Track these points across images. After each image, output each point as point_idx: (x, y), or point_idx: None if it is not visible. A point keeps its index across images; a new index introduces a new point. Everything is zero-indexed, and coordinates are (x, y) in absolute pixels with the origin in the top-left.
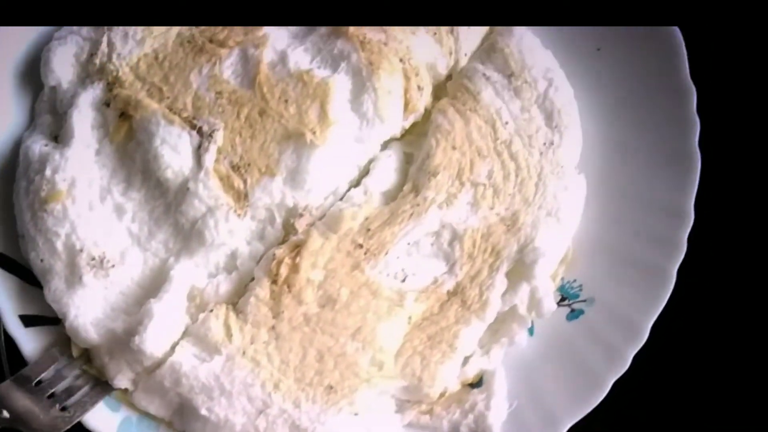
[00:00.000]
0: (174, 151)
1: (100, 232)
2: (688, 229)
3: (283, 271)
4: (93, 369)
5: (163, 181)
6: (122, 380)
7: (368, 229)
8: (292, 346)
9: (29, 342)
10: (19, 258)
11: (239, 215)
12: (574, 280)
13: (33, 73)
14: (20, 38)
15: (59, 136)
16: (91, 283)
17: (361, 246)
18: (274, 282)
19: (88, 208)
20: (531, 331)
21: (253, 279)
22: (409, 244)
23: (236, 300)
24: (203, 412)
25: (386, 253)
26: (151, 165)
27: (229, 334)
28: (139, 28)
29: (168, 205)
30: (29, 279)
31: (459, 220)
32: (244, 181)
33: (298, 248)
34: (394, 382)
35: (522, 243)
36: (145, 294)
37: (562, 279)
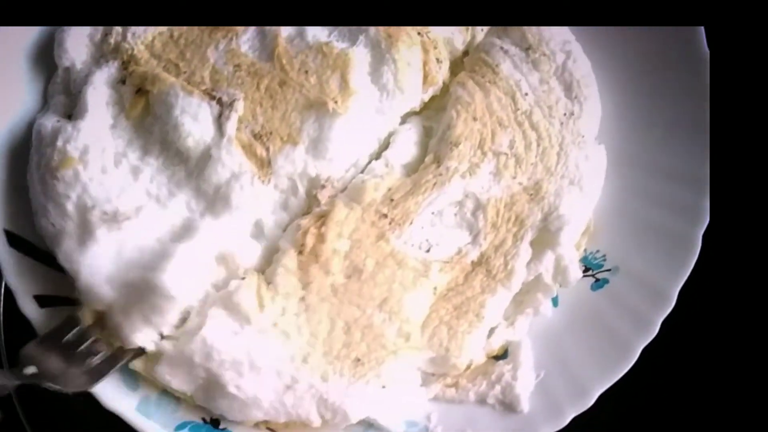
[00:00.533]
0: (195, 120)
1: (115, 191)
2: (708, 162)
3: (309, 241)
4: (107, 336)
5: (183, 150)
6: (139, 338)
7: (391, 199)
8: (321, 318)
9: (45, 322)
10: (33, 239)
11: (263, 182)
12: (597, 251)
13: (46, 56)
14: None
15: (73, 113)
16: (104, 237)
17: (385, 216)
18: (301, 252)
19: (101, 171)
20: (555, 303)
21: (279, 250)
22: (433, 213)
23: (264, 269)
24: (231, 389)
25: (411, 223)
26: (170, 135)
27: (261, 305)
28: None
29: (189, 172)
30: (44, 260)
31: (482, 189)
32: (267, 149)
33: (323, 218)
34: (421, 353)
35: (546, 211)
36: (163, 249)
37: (585, 250)
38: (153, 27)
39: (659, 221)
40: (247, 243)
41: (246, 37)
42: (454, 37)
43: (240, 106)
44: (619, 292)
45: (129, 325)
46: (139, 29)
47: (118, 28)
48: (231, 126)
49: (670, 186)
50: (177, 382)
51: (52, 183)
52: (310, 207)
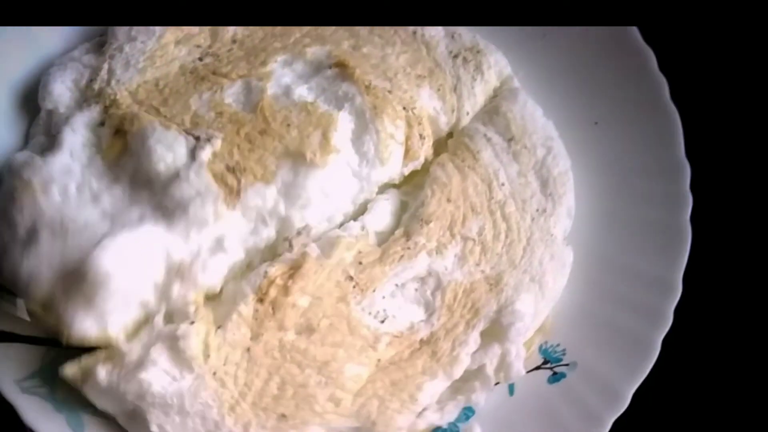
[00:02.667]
0: (168, 149)
1: (70, 214)
2: (675, 301)
3: (273, 292)
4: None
5: (153, 176)
6: (82, 325)
7: (360, 263)
8: (259, 371)
9: None
10: None
11: (228, 206)
12: (558, 344)
13: (30, 99)
14: (19, 63)
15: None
16: (47, 241)
17: (351, 278)
18: (260, 300)
19: (60, 196)
20: (511, 391)
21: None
22: (396, 285)
23: (219, 288)
24: (153, 428)
25: (374, 291)
26: (143, 163)
27: (207, 354)
28: (141, 58)
29: (153, 193)
30: None
31: (445, 270)
32: (238, 181)
33: (292, 270)
34: (347, 421)
35: (501, 304)
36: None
37: (546, 342)
38: (139, 75)
39: (621, 322)
40: (209, 257)
41: (231, 90)
42: (439, 117)
43: (217, 143)
44: (574, 387)
45: (71, 309)
46: (124, 76)
47: (104, 75)
48: (204, 154)
49: (636, 288)
50: (102, 403)
51: (9, 209)
52: (279, 247)
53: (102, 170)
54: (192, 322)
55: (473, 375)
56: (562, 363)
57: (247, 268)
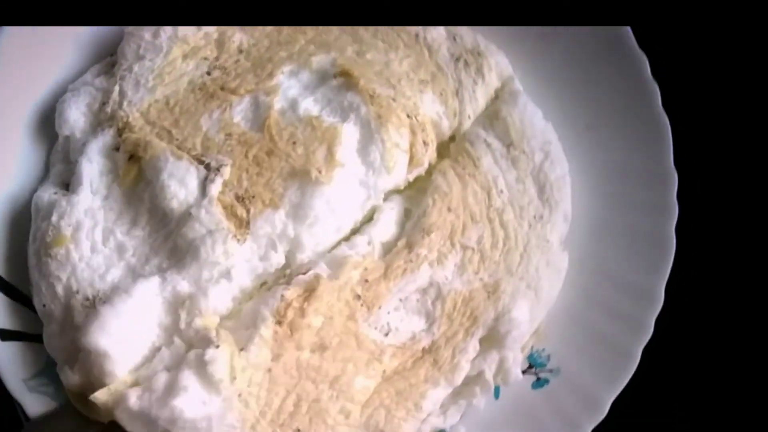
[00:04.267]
0: (180, 184)
1: (100, 272)
2: (657, 312)
3: (290, 314)
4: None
5: (168, 212)
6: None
7: (366, 280)
8: (278, 390)
9: (3, 354)
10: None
11: (239, 241)
12: (543, 350)
13: (49, 125)
14: (35, 90)
15: (69, 185)
16: (82, 323)
17: (359, 297)
18: (279, 323)
19: (90, 250)
20: (497, 394)
21: (251, 296)
22: (401, 300)
23: (226, 316)
24: None
25: (379, 307)
26: (158, 198)
27: (233, 376)
28: (151, 76)
29: (169, 232)
30: (13, 294)
31: (445, 280)
32: (247, 211)
33: (307, 293)
34: (357, 431)
35: (499, 312)
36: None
37: (532, 347)
38: (149, 95)
39: (605, 330)
40: (212, 287)
41: (240, 107)
42: (441, 121)
43: (227, 172)
44: (557, 394)
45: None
46: (135, 97)
47: (116, 97)
48: (215, 188)
49: (622, 297)
50: (133, 427)
51: (45, 261)
52: (290, 267)
53: (122, 203)
54: (217, 346)
55: (473, 380)
56: (546, 368)
57: (261, 287)
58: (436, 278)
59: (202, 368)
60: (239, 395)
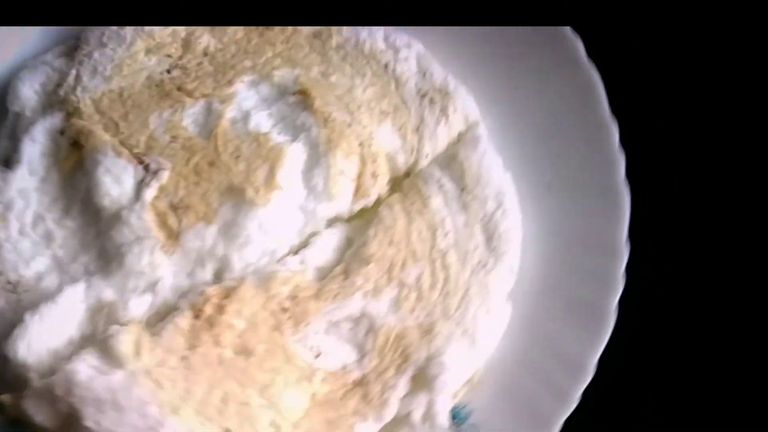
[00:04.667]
0: (116, 182)
1: (25, 258)
2: (584, 386)
3: (208, 309)
4: None
5: (100, 208)
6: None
7: (295, 296)
8: (199, 380)
9: None
10: None
11: (166, 252)
12: (465, 406)
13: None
14: None
15: (9, 160)
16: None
17: (286, 310)
18: (197, 317)
19: (18, 232)
20: None
21: (174, 309)
22: (329, 322)
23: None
24: (89, 423)
25: (307, 325)
26: (91, 192)
27: (137, 352)
28: (109, 65)
29: (99, 232)
30: None
31: (379, 314)
32: (179, 221)
33: (228, 291)
34: None
35: (431, 353)
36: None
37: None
38: (104, 84)
39: (532, 396)
40: (132, 296)
41: (192, 111)
42: (397, 155)
43: (164, 176)
44: None
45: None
46: (90, 84)
47: (71, 81)
48: (150, 193)
49: (554, 365)
50: (41, 416)
51: None
52: (217, 281)
53: (58, 188)
54: (123, 325)
55: (402, 421)
56: (466, 423)
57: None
58: (369, 310)
59: (103, 342)
60: (148, 372)
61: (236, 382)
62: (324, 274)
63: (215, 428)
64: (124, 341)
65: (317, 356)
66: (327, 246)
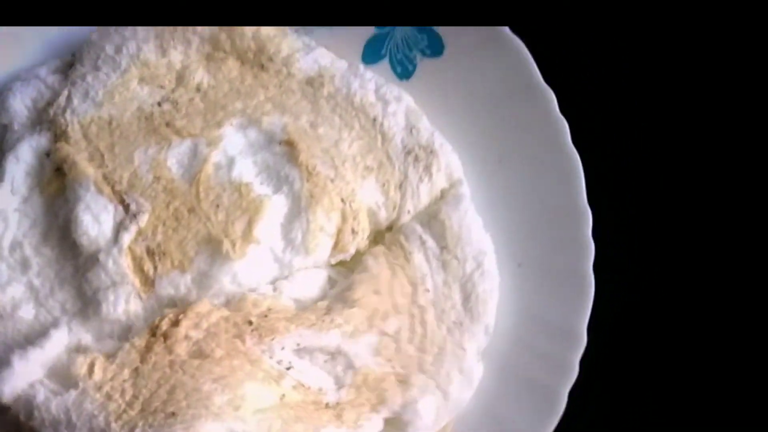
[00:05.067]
0: (95, 220)
1: (1, 282)
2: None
3: (164, 325)
4: None
5: (78, 245)
6: None
7: (266, 315)
8: (148, 383)
9: None
10: None
11: (141, 298)
12: None
13: None
14: None
15: None
16: None
17: (250, 323)
18: (153, 334)
19: None
20: None
21: None
22: (299, 345)
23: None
24: None
25: (272, 339)
26: (70, 227)
27: (90, 372)
28: (102, 90)
29: (76, 268)
30: None
31: (357, 355)
32: (155, 268)
33: (185, 308)
34: (246, 426)
35: (406, 400)
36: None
37: None
38: (94, 109)
39: None
40: (108, 341)
41: (178, 150)
42: (379, 211)
43: (143, 220)
44: None
45: None
46: (80, 107)
47: (62, 101)
48: (128, 237)
49: (521, 410)
50: None
51: None
52: None
53: (39, 212)
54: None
55: None
56: None
57: None
58: (346, 349)
59: (57, 366)
60: (99, 388)
61: (188, 376)
62: (305, 306)
63: (159, 416)
64: (78, 363)
65: (288, 368)
66: (311, 282)
